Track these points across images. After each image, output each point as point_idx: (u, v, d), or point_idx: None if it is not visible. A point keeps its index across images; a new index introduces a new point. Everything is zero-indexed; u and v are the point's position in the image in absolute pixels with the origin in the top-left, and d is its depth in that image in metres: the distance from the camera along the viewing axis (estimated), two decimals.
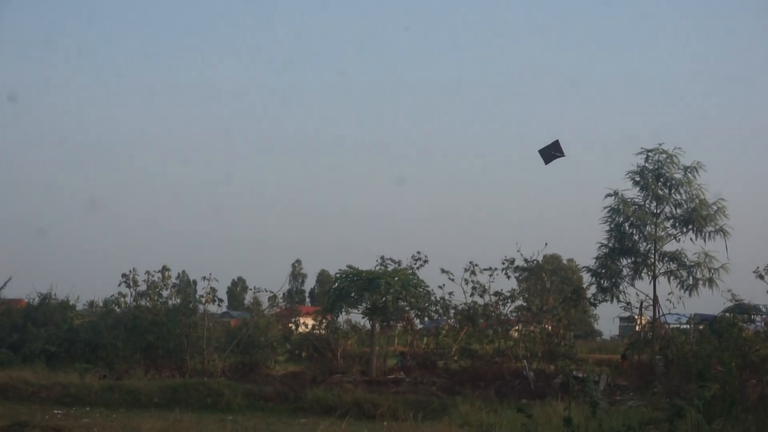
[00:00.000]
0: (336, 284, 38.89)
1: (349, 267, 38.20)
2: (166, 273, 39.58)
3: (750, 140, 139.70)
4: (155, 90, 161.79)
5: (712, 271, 34.24)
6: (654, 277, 34.96)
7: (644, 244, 35.11)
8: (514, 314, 37.51)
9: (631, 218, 34.74)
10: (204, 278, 38.60)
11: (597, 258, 35.62)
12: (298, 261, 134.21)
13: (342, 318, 41.21)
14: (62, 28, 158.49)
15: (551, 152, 27.05)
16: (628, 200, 35.02)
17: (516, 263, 36.90)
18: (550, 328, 36.50)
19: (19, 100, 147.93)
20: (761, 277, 32.51)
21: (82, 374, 32.72)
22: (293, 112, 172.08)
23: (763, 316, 34.19)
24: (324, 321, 40.24)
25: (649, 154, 34.92)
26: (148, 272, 39.45)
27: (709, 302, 35.11)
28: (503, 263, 36.80)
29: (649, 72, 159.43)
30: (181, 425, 19.07)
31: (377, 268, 38.34)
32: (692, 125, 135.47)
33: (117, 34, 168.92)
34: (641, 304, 35.47)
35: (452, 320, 39.19)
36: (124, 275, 39.52)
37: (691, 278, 34.48)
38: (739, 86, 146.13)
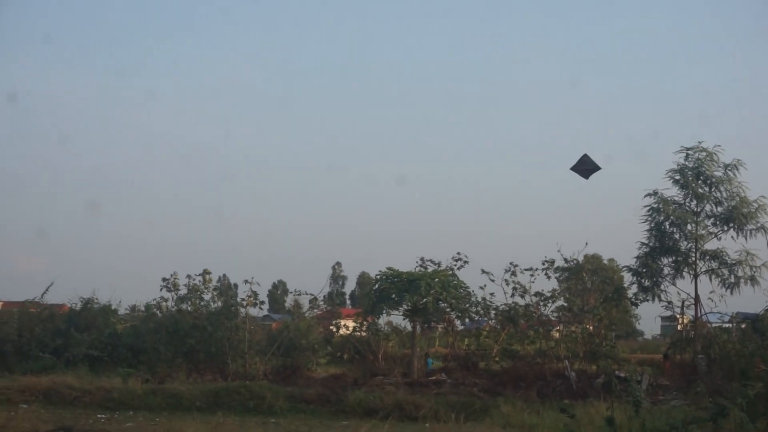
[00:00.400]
0: (376, 286, 38.92)
1: (389, 269, 38.22)
2: (207, 277, 39.71)
3: None
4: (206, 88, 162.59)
5: (754, 269, 34.12)
6: (695, 276, 34.84)
7: (685, 242, 35.04)
8: (555, 315, 37.41)
9: (672, 217, 34.66)
10: (246, 281, 38.83)
11: (638, 257, 35.56)
12: (338, 263, 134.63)
13: (383, 320, 41.27)
14: (63, 27, 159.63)
15: (583, 168, 26.96)
16: (668, 199, 34.92)
17: (556, 263, 36.84)
18: (591, 328, 36.40)
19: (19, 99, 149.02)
20: None
21: (125, 378, 32.87)
22: (332, 113, 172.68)
23: None
24: (365, 323, 40.28)
25: (689, 152, 34.83)
26: (189, 276, 39.61)
27: (751, 301, 35.06)
28: (543, 264, 36.73)
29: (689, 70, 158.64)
30: (223, 428, 19.16)
31: (417, 269, 38.35)
32: (735, 124, 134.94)
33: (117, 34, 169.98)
34: (683, 303, 35.38)
35: (493, 321, 39.11)
36: (165, 279, 39.69)
37: (732, 276, 34.37)
38: None
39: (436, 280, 37.08)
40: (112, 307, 43.36)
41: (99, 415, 26.59)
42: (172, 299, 39.88)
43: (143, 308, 44.12)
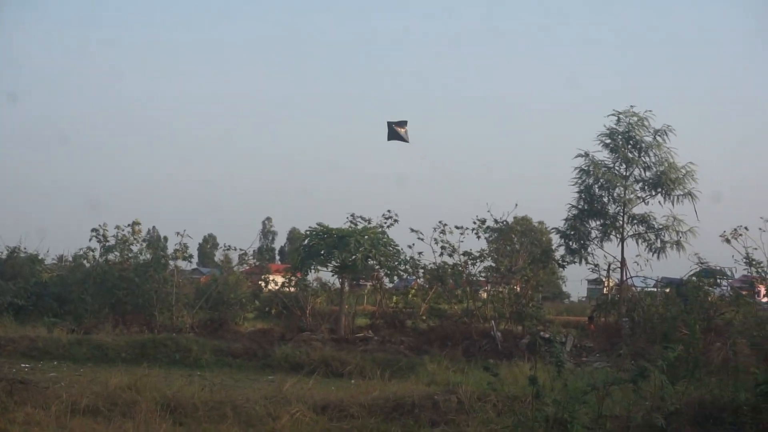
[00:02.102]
0: (306, 242, 38.85)
1: (319, 224, 38.15)
2: (137, 228, 39.52)
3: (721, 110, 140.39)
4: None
5: (680, 234, 34.56)
6: (622, 240, 35.20)
7: (613, 206, 35.37)
8: (483, 275, 37.65)
9: (601, 180, 34.94)
10: (177, 233, 38.68)
11: (566, 219, 35.80)
12: (269, 218, 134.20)
13: (311, 276, 41.23)
14: (63, 27, 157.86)
15: (396, 130, 27.16)
16: (598, 162, 35.15)
17: (487, 224, 37.02)
18: (518, 289, 36.66)
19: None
20: (728, 241, 32.73)
21: (50, 328, 32.69)
22: (275, 65, 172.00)
23: (729, 281, 34.46)
24: (293, 279, 40.25)
25: (621, 116, 35.08)
26: (118, 227, 39.38)
27: (677, 266, 35.43)
28: (474, 223, 36.90)
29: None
30: (148, 380, 19.07)
31: (347, 226, 38.28)
32: (663, 93, 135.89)
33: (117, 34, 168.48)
34: (609, 266, 35.79)
35: (421, 280, 39.26)
36: (94, 230, 39.41)
37: (659, 241, 34.78)
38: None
39: (366, 237, 37.08)
40: (39, 257, 43.02)
41: (23, 365, 26.44)
42: (101, 250, 39.64)
43: (71, 258, 43.83)
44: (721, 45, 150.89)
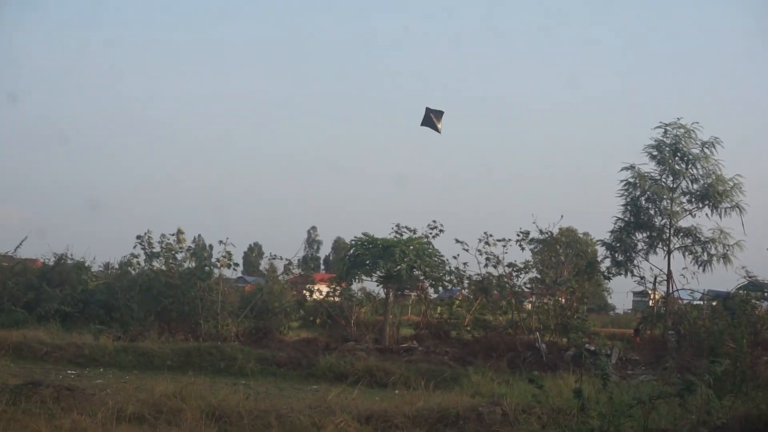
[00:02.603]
0: (351, 251, 38.91)
1: (365, 234, 38.21)
2: (181, 236, 39.68)
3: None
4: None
5: (727, 247, 34.35)
6: (669, 252, 35.03)
7: (660, 218, 35.19)
8: (528, 286, 37.54)
9: (648, 192, 34.79)
10: (220, 242, 38.82)
11: (612, 232, 35.65)
12: (314, 228, 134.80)
13: (356, 286, 41.24)
14: (63, 27, 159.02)
15: (432, 118, 27.02)
16: (645, 174, 35.01)
17: (531, 235, 36.95)
18: (563, 300, 36.52)
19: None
20: None
21: (97, 335, 32.86)
22: (313, 83, 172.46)
23: None
24: (338, 288, 40.28)
25: (668, 128, 34.94)
26: (163, 235, 39.58)
27: (723, 279, 35.21)
28: (518, 235, 36.84)
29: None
30: (193, 388, 19.14)
31: (393, 236, 38.29)
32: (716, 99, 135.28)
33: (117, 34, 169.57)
34: (655, 278, 35.56)
35: (466, 291, 39.16)
36: (138, 237, 39.62)
37: (705, 254, 34.58)
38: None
39: (411, 247, 37.07)
40: (86, 264, 43.29)
41: (69, 371, 26.59)
42: (145, 257, 39.86)
43: (117, 266, 44.11)
44: (722, 45, 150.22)
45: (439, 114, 27.03)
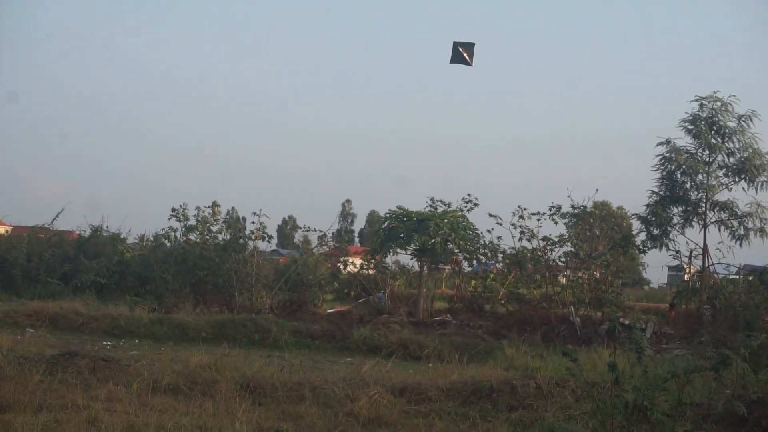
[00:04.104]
0: (385, 224, 38.95)
1: (399, 208, 38.23)
2: (216, 209, 39.84)
3: None
4: None
5: (764, 221, 34.15)
6: (704, 226, 34.83)
7: (695, 192, 34.98)
8: (562, 260, 37.45)
9: (683, 166, 34.58)
10: (254, 214, 38.88)
11: (647, 205, 35.52)
12: (348, 201, 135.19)
13: (390, 258, 41.33)
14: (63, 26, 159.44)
15: (461, 52, 26.65)
16: (681, 148, 34.83)
17: (565, 209, 36.88)
18: (598, 274, 36.45)
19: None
20: None
21: (132, 307, 33.01)
22: (351, 53, 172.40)
23: None
24: (372, 261, 40.37)
25: (704, 102, 34.69)
26: (198, 207, 39.77)
27: (760, 253, 35.19)
28: (551, 209, 36.76)
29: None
30: (228, 360, 19.23)
31: (427, 209, 38.30)
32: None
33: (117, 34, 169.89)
34: (691, 253, 35.34)
35: (500, 264, 39.17)
36: (174, 210, 39.82)
37: (742, 228, 34.38)
38: None
39: (446, 221, 37.06)
40: (121, 236, 43.61)
41: (105, 342, 26.73)
42: (181, 230, 40.08)
43: (152, 238, 44.35)
44: (721, 45, 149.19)
45: (469, 46, 26.70)
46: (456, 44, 26.38)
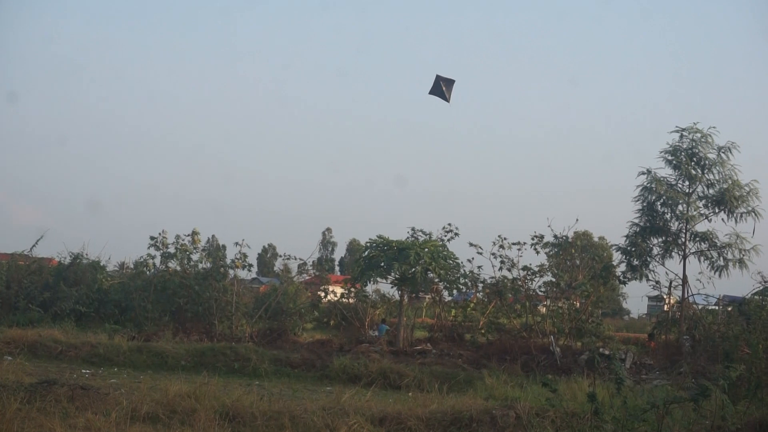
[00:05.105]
0: (366, 253, 38.91)
1: (380, 236, 38.23)
2: (196, 237, 39.84)
3: None
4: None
5: (743, 252, 34.26)
6: (684, 257, 34.94)
7: (675, 223, 35.15)
8: (542, 289, 37.51)
9: (664, 197, 34.71)
10: (236, 243, 39.00)
11: (627, 236, 35.61)
12: (329, 229, 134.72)
13: (371, 287, 41.31)
14: (62, 26, 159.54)
15: (442, 88, 26.71)
16: (661, 179, 34.98)
17: (546, 239, 36.98)
18: (578, 304, 36.50)
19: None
20: None
21: (111, 335, 32.97)
22: (322, 84, 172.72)
23: None
24: (353, 290, 40.33)
25: (684, 133, 34.89)
26: (178, 236, 39.76)
27: (739, 284, 35.26)
28: (533, 238, 36.86)
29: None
30: (207, 388, 19.17)
31: (408, 239, 38.34)
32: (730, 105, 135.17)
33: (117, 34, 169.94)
34: (670, 283, 35.46)
35: (480, 294, 39.21)
36: (152, 238, 39.81)
37: (721, 259, 34.51)
38: None
39: (426, 250, 37.06)
40: (101, 263, 43.46)
41: (84, 370, 26.65)
42: (160, 258, 40.03)
43: (132, 266, 44.25)
44: (722, 45, 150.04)
45: (450, 83, 26.74)
46: (438, 77, 26.48)
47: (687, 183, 34.92)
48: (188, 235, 39.71)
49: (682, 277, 34.89)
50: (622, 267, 36.14)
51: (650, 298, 44.65)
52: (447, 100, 26.83)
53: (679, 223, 35.03)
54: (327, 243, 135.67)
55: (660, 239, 35.38)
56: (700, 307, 35.80)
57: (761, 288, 32.89)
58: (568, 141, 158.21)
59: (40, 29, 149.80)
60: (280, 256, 47.92)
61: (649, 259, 35.48)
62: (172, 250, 39.70)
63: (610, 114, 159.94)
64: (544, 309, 37.35)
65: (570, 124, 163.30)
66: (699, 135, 34.72)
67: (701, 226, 35.03)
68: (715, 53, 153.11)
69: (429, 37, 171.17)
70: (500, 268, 36.89)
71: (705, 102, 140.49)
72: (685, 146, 34.77)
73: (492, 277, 37.34)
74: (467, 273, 38.00)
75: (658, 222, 35.10)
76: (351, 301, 40.46)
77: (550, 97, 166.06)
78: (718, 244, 34.56)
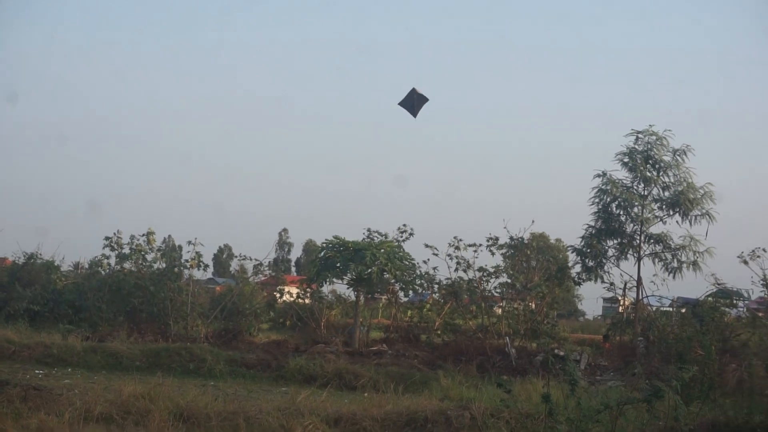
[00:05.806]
0: (321, 254, 38.83)
1: (336, 237, 38.20)
2: (151, 237, 39.62)
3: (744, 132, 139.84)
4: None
5: (697, 254, 34.46)
6: (639, 259, 35.13)
7: (631, 225, 35.31)
8: (498, 291, 37.55)
9: (619, 199, 34.84)
10: (190, 243, 38.77)
11: (583, 237, 35.73)
12: (285, 230, 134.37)
13: (326, 288, 41.23)
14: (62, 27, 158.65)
15: (413, 102, 26.78)
16: (617, 181, 35.11)
17: (502, 241, 37.03)
18: (533, 305, 36.59)
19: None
20: (745, 262, 32.62)
21: (65, 335, 32.75)
22: (291, 91, 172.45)
23: (746, 302, 34.33)
24: (308, 290, 40.25)
25: (639, 135, 35.05)
26: (132, 236, 39.51)
27: (693, 286, 35.30)
28: (488, 240, 36.90)
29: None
30: (162, 389, 19.09)
31: (364, 239, 38.34)
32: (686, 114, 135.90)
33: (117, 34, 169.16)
34: (625, 285, 35.62)
35: (436, 295, 39.20)
36: (107, 238, 39.56)
37: (675, 261, 34.69)
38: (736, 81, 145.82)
39: (382, 250, 37.07)
40: (56, 263, 43.09)
41: (37, 371, 26.49)
42: (115, 258, 39.80)
43: (87, 266, 43.96)
44: (722, 45, 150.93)
45: (422, 99, 26.76)
46: (414, 91, 26.51)
47: (642, 185, 35.09)
48: (143, 235, 39.50)
49: (636, 278, 35.06)
50: (577, 268, 36.31)
51: (605, 300, 44.92)
52: (414, 115, 26.86)
53: (634, 225, 35.21)
54: (283, 244, 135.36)
55: (615, 241, 35.54)
56: (654, 308, 35.99)
57: (714, 290, 33.15)
58: (525, 143, 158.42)
59: (40, 29, 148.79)
60: (236, 257, 47.92)
61: (604, 260, 35.63)
62: (127, 250, 39.46)
63: (570, 118, 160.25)
64: (500, 310, 37.40)
65: (523, 126, 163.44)
66: (654, 137, 34.90)
67: (656, 228, 35.26)
68: (715, 53, 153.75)
69: (420, 44, 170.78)
70: (456, 270, 36.98)
71: (663, 106, 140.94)
72: (640, 148, 34.94)
73: (448, 278, 37.40)
74: (423, 274, 38.05)
75: (614, 224, 35.25)
76: (307, 301, 40.36)
77: (506, 99, 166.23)
78: (673, 246, 34.75)
